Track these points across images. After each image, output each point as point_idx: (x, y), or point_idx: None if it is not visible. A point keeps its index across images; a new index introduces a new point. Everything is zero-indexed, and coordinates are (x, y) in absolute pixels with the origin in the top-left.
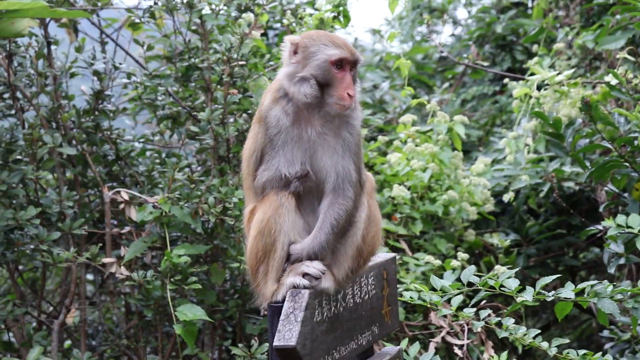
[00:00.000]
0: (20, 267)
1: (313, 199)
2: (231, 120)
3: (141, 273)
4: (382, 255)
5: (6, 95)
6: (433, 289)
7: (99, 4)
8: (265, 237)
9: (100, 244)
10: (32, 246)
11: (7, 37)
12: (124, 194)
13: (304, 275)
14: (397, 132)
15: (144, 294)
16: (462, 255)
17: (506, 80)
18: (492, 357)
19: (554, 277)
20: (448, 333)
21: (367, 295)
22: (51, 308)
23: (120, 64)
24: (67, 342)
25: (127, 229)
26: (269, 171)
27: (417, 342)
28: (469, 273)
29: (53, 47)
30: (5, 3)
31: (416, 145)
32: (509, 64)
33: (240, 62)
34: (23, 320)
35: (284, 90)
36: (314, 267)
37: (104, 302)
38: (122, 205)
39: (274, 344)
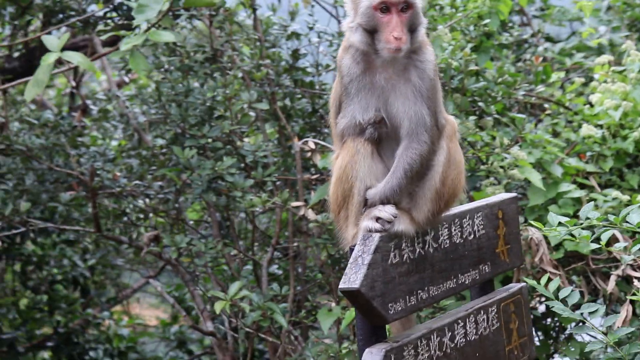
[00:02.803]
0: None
1: (393, 144)
2: None
3: (324, 215)
4: (499, 195)
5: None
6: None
7: None
8: (343, 183)
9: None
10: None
11: (199, 6)
12: (311, 143)
13: (377, 219)
14: (593, 72)
15: (328, 234)
16: None
17: None
18: None
19: None
20: (631, 266)
21: (472, 236)
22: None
23: (314, 23)
24: None
25: (317, 175)
26: (345, 118)
27: (559, 278)
28: (588, 209)
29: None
30: None
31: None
32: None
33: None
34: (238, 259)
35: (349, 40)
36: (386, 211)
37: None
38: (309, 154)
39: (339, 286)
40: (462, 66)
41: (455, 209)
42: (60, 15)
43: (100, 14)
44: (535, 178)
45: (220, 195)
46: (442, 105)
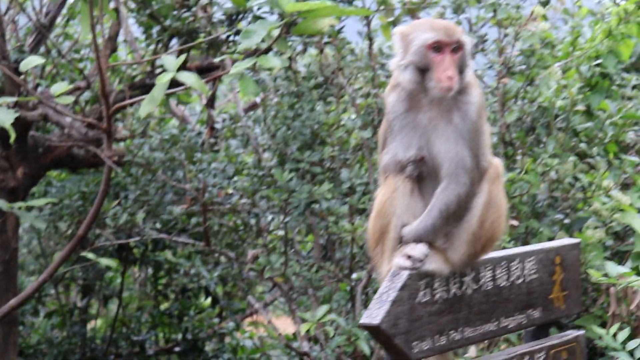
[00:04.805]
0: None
1: (434, 183)
2: (515, 107)
3: None
4: (561, 240)
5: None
6: None
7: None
8: (381, 218)
9: None
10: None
11: (310, 35)
12: None
13: (409, 257)
14: None
15: None
16: None
17: None
18: None
19: None
20: None
21: (520, 280)
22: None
23: None
24: None
25: None
26: (388, 155)
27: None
28: None
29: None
30: (303, 4)
31: None
32: None
33: (515, 53)
34: (333, 282)
35: (396, 79)
36: (417, 249)
37: None
38: None
39: (360, 320)
40: (569, 106)
41: (504, 252)
42: (186, 37)
43: (224, 37)
44: (638, 224)
45: (323, 219)
46: (486, 147)
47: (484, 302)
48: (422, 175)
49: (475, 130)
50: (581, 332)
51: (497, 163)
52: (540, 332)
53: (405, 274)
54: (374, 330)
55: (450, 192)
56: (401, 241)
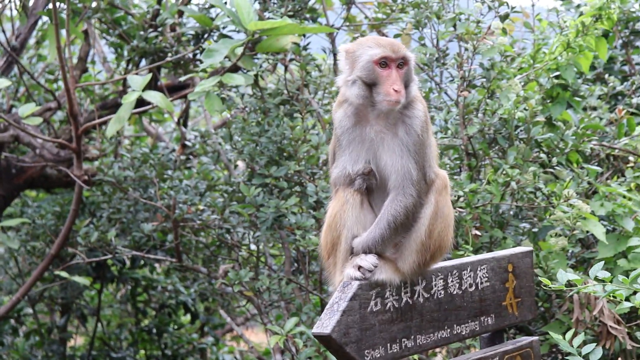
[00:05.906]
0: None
1: (383, 195)
2: (476, 120)
3: None
4: (511, 249)
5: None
6: None
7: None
8: (332, 230)
9: None
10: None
11: (273, 52)
12: None
13: (359, 267)
14: None
15: None
16: None
17: None
18: None
19: None
20: None
21: (473, 287)
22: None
23: None
24: None
25: None
26: (338, 169)
27: (584, 333)
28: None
29: None
30: (265, 23)
31: None
32: None
33: (473, 67)
34: (302, 295)
35: (344, 95)
36: (367, 260)
37: None
38: None
39: (312, 330)
40: (528, 117)
41: (456, 261)
42: (154, 56)
43: (191, 55)
44: (599, 232)
45: (292, 233)
46: (432, 159)
47: (436, 310)
48: (372, 187)
49: (420, 143)
50: (535, 337)
51: (444, 175)
52: (495, 337)
53: (355, 284)
54: (325, 340)
55: (397, 204)
56: (352, 252)
